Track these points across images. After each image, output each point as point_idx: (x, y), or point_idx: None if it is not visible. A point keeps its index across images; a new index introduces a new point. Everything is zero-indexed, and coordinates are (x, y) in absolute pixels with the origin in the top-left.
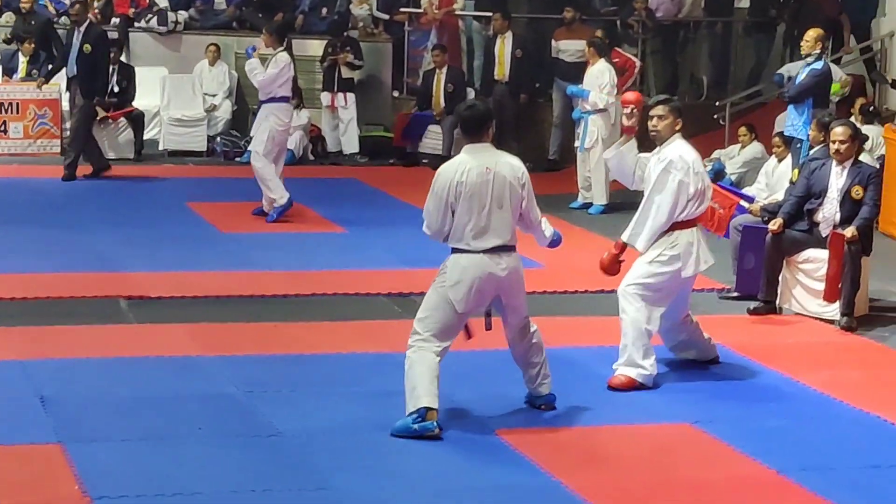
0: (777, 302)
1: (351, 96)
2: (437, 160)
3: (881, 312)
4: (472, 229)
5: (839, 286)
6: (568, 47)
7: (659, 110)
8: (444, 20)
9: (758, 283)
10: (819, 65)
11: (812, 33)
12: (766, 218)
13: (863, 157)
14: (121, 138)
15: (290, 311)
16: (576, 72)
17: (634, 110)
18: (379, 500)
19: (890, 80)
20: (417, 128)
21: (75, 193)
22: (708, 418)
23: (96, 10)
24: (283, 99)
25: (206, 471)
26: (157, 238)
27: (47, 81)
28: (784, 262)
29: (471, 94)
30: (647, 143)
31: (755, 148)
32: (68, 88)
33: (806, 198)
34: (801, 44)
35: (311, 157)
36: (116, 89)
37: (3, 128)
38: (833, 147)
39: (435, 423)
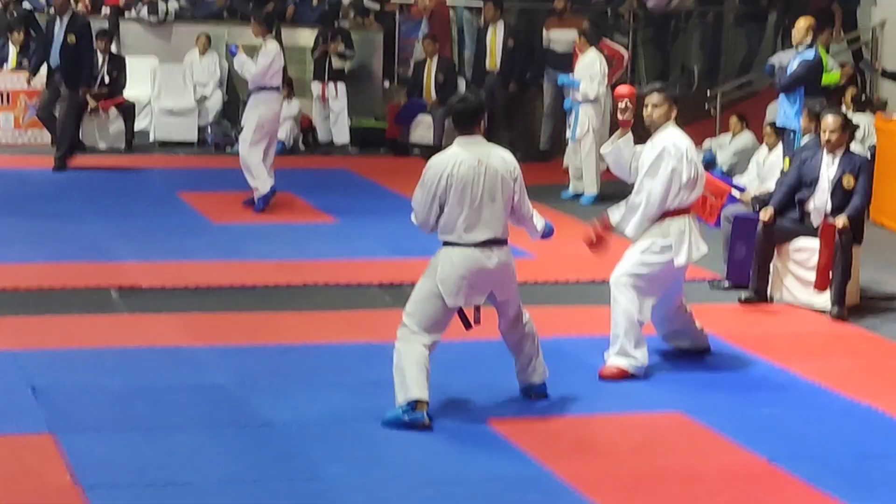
0: (768, 291)
1: (342, 86)
2: (428, 150)
3: (872, 302)
4: (463, 222)
5: (830, 275)
6: (559, 37)
7: (653, 98)
8: (435, 10)
9: (749, 273)
10: (810, 54)
11: (803, 22)
12: (758, 207)
13: (854, 147)
14: (111, 129)
15: (282, 301)
16: (567, 61)
17: (629, 103)
18: (370, 489)
19: (879, 69)
20: (411, 113)
21: (66, 184)
22: (699, 408)
23: (86, 1)
24: (273, 88)
25: (198, 461)
26: (149, 228)
27: (34, 75)
28: (775, 251)
29: (462, 83)
30: (642, 133)
31: (746, 137)
32: (49, 79)
33: (797, 187)
34: (792, 33)
35: (302, 148)
36: (107, 80)
37: None
38: (824, 136)
39: (425, 414)
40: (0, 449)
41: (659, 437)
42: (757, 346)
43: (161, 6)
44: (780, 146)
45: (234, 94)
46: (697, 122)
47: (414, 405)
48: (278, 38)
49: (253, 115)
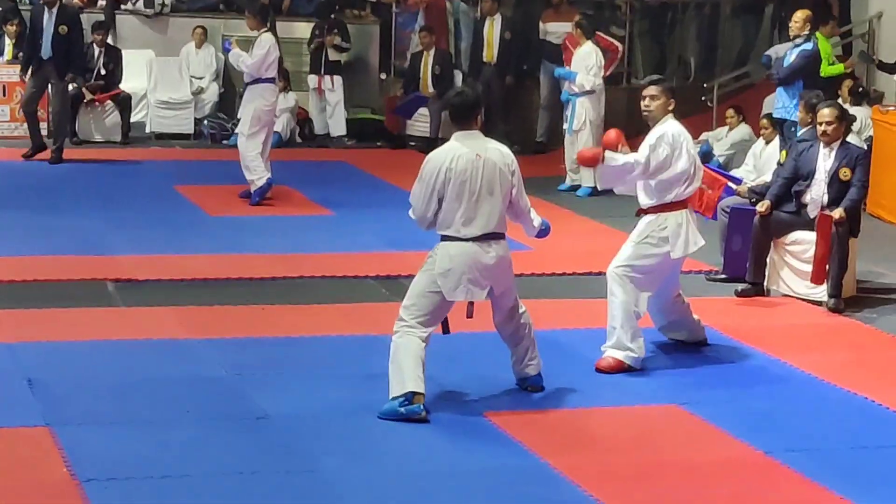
0: (765, 284)
1: (338, 79)
2: (425, 143)
3: (869, 294)
4: (461, 216)
5: (827, 268)
6: (555, 29)
7: (651, 91)
8: (431, 1)
9: (745, 265)
10: (809, 46)
11: (800, 14)
12: (754, 200)
13: (850, 139)
14: (108, 121)
15: (278, 294)
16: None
17: (623, 148)
18: (366, 482)
19: (876, 61)
20: (414, 107)
21: (62, 176)
22: (695, 400)
23: None
24: (269, 80)
25: (194, 453)
26: (145, 221)
27: (25, 71)
28: (772, 243)
29: (458, 76)
30: (641, 126)
31: (743, 130)
32: (36, 71)
33: (794, 179)
34: (790, 25)
35: (299, 140)
36: (103, 72)
37: None
38: (820, 129)
39: (421, 407)
40: None
41: (656, 430)
42: (754, 339)
43: None
44: (776, 138)
45: (231, 86)
46: (694, 115)
47: (410, 397)
48: (273, 31)
49: (249, 108)
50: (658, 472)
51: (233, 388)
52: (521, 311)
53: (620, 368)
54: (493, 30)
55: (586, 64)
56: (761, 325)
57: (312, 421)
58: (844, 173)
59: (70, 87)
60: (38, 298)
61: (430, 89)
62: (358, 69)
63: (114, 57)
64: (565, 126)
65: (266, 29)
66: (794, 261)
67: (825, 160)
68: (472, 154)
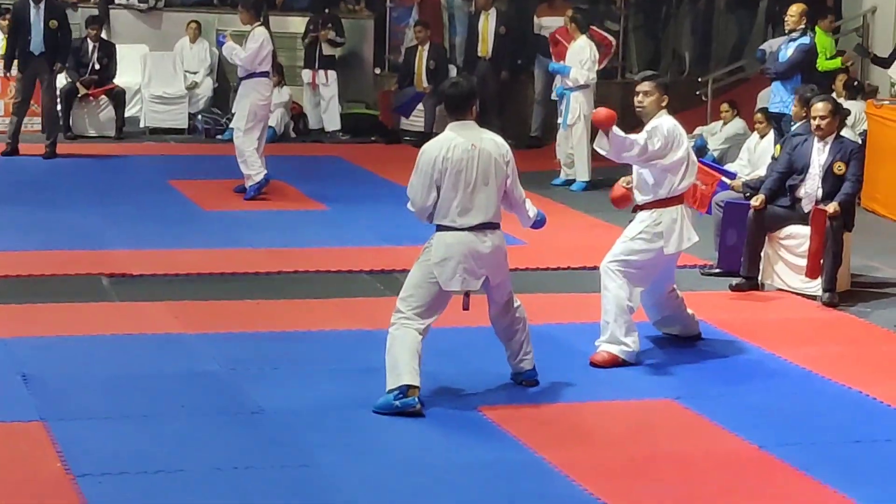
0: (759, 278)
1: (332, 73)
2: (420, 137)
3: (863, 288)
4: (457, 206)
5: (821, 262)
6: (550, 24)
7: (644, 86)
8: None
9: (740, 260)
10: (806, 40)
11: (796, 8)
12: (749, 194)
13: (845, 133)
14: (102, 116)
15: (273, 289)
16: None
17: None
18: (362, 476)
19: (871, 55)
20: (412, 104)
21: (57, 171)
22: (690, 394)
23: None
24: (263, 74)
25: (189, 448)
26: (139, 216)
27: (9, 68)
28: (766, 238)
29: (453, 70)
30: (633, 121)
31: (737, 124)
32: (25, 68)
33: (788, 173)
34: (786, 19)
35: (293, 135)
36: (97, 67)
37: None
38: (814, 123)
39: (416, 400)
40: None
41: (650, 424)
42: (748, 333)
43: None
44: (771, 133)
45: (225, 81)
46: (688, 109)
47: (405, 391)
48: (266, 25)
49: (244, 103)
50: (652, 466)
51: (227, 382)
52: (515, 305)
53: (615, 363)
54: (487, 24)
55: (580, 58)
56: (756, 319)
57: (307, 415)
58: (839, 167)
59: (64, 81)
60: (32, 293)
61: (425, 84)
62: (352, 64)
63: (108, 52)
64: (559, 120)
65: (259, 23)
66: (789, 255)
67: (819, 154)
68: (467, 144)
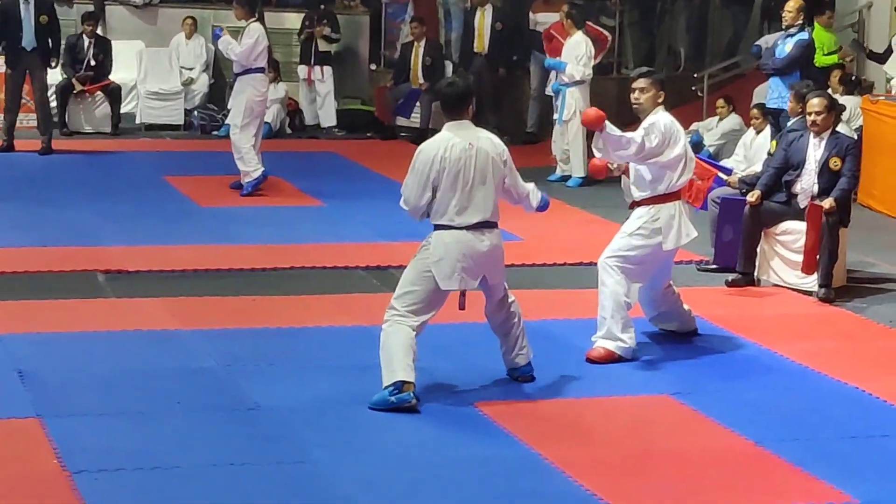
0: (755, 274)
1: (328, 69)
2: (415, 133)
3: (859, 284)
4: (455, 205)
5: (817, 257)
6: (545, 20)
7: (641, 83)
8: None
9: (736, 255)
10: (805, 35)
11: (793, 4)
12: (745, 190)
13: (840, 128)
14: (97, 112)
15: (269, 285)
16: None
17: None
18: (357, 473)
19: (867, 50)
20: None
21: (52, 168)
22: (686, 390)
23: None
24: (259, 70)
25: (185, 444)
26: (135, 212)
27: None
28: (762, 233)
29: (449, 67)
30: (628, 117)
31: (733, 120)
32: (15, 64)
33: (784, 169)
34: (783, 15)
35: (289, 131)
36: (93, 63)
37: None
38: (810, 118)
39: (412, 395)
40: None
41: (646, 420)
42: (744, 329)
43: None
44: (767, 128)
45: (221, 77)
46: (684, 105)
47: (400, 386)
48: (262, 21)
49: (241, 99)
50: (649, 462)
51: (223, 379)
52: (510, 300)
53: (611, 359)
54: (483, 20)
55: (576, 54)
56: (752, 314)
57: (303, 412)
58: (835, 163)
59: (60, 77)
60: (28, 290)
61: (421, 80)
62: (348, 60)
63: (103, 48)
64: (555, 116)
65: (254, 19)
66: (785, 251)
67: (815, 150)
68: (464, 143)
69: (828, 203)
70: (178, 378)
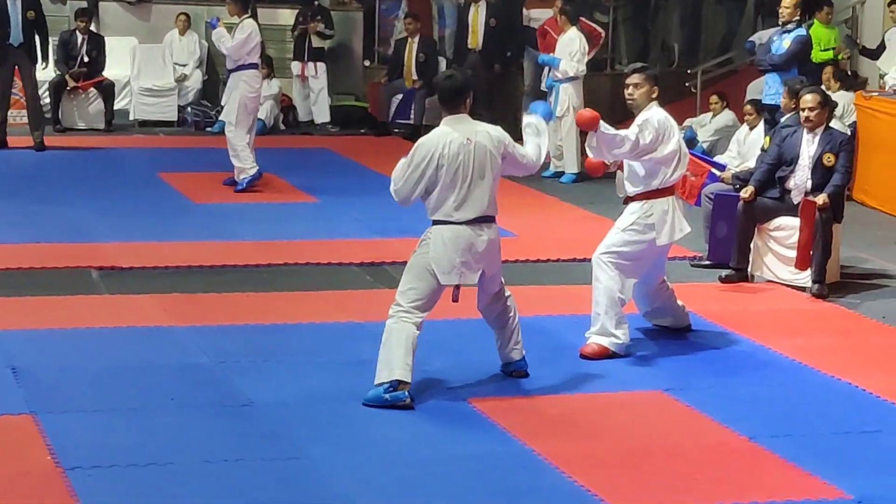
0: (749, 270)
1: (322, 66)
2: (409, 129)
3: (852, 279)
4: (454, 201)
5: (810, 253)
6: (539, 16)
7: (634, 79)
8: None
9: (729, 251)
10: (802, 31)
11: (789, 0)
12: (738, 186)
13: (834, 124)
14: (91, 108)
15: (263, 281)
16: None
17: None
18: (352, 469)
19: (860, 46)
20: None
21: (46, 164)
22: (680, 386)
23: None
24: (252, 66)
25: (179, 441)
26: (129, 209)
27: None
28: (756, 229)
29: (442, 63)
30: (623, 113)
31: (727, 116)
32: (4, 59)
33: (777, 165)
34: (780, 11)
35: (283, 127)
36: (86, 59)
37: None
38: (803, 115)
39: (406, 394)
40: None
41: (640, 416)
42: (738, 324)
43: None
44: (760, 124)
45: (214, 73)
46: (678, 101)
47: (395, 385)
48: (254, 16)
49: (234, 96)
50: (642, 458)
51: (217, 375)
52: (506, 294)
53: (605, 355)
54: (477, 16)
55: (570, 50)
56: (745, 310)
57: (297, 408)
58: (828, 159)
59: (53, 74)
60: (21, 286)
61: (415, 76)
62: (341, 56)
63: (97, 44)
64: None
65: (248, 15)
66: (778, 247)
67: (809, 146)
68: (462, 139)
69: (821, 199)
70: (172, 374)
